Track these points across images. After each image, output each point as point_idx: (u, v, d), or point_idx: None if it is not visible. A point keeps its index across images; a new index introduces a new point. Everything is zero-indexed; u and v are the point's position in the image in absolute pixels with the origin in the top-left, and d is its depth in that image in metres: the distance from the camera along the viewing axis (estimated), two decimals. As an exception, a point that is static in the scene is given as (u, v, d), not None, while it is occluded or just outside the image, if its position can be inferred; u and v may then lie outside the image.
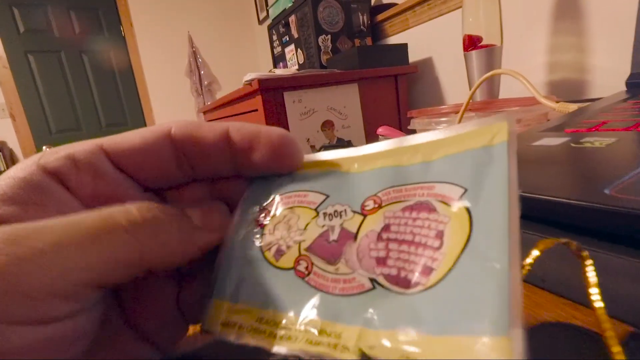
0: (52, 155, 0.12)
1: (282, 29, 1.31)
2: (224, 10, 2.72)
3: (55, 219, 0.10)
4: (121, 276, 0.10)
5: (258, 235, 0.12)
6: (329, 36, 1.12)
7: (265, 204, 0.13)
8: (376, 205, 0.11)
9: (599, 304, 0.10)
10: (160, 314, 0.13)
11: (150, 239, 0.10)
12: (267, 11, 2.15)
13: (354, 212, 0.11)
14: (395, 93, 1.03)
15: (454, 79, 1.01)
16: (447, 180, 0.10)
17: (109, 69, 2.59)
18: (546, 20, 0.74)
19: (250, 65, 2.79)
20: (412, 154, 0.12)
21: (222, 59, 2.70)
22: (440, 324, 0.08)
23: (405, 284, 0.09)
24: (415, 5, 1.06)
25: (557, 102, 0.37)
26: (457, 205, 0.10)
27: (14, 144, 2.40)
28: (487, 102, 0.57)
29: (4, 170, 0.12)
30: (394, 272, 0.10)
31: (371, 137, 0.97)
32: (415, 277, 0.09)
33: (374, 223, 0.11)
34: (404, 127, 0.99)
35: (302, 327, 0.10)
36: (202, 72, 2.58)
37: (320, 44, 1.12)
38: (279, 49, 1.40)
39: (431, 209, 0.10)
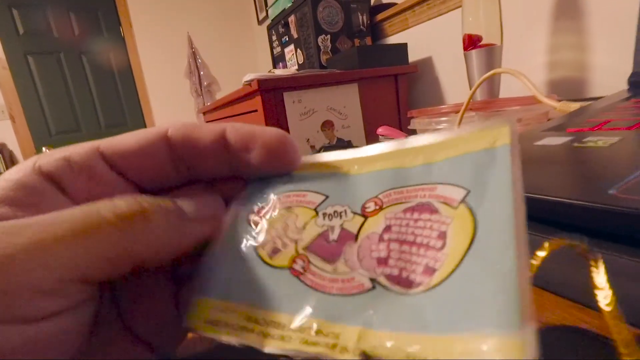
0: (48, 157, 0.12)
1: (281, 29, 1.31)
2: (224, 10, 2.72)
3: (40, 215, 0.09)
4: (109, 271, 0.10)
5: (252, 234, 0.12)
6: (329, 36, 1.12)
7: (261, 203, 0.13)
8: (377, 207, 0.11)
9: (608, 308, 0.09)
10: (157, 314, 0.13)
11: (138, 232, 0.10)
12: (267, 11, 2.14)
13: (354, 213, 0.11)
14: (395, 93, 1.03)
15: (454, 79, 1.01)
16: (449, 182, 0.10)
17: (108, 70, 2.59)
18: (546, 19, 0.74)
19: (250, 65, 2.79)
20: (414, 156, 0.11)
21: (221, 60, 2.70)
22: (446, 323, 0.08)
23: (407, 284, 0.09)
24: (414, 5, 1.06)
25: (559, 101, 0.37)
26: (460, 206, 0.10)
27: (13, 145, 2.40)
28: (488, 101, 0.57)
29: (3, 172, 0.12)
30: (395, 272, 0.10)
31: (371, 137, 0.97)
32: (418, 277, 0.09)
33: (375, 225, 0.11)
34: (404, 127, 0.99)
35: (297, 327, 0.10)
36: (201, 72, 2.58)
37: (320, 44, 1.12)
38: (278, 49, 1.40)
39: (433, 210, 0.10)
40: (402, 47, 1.05)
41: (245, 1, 2.70)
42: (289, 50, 1.30)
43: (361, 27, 1.17)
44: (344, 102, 0.94)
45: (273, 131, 0.13)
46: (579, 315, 0.14)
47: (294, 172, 0.13)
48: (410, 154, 0.12)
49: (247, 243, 0.12)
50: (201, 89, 2.59)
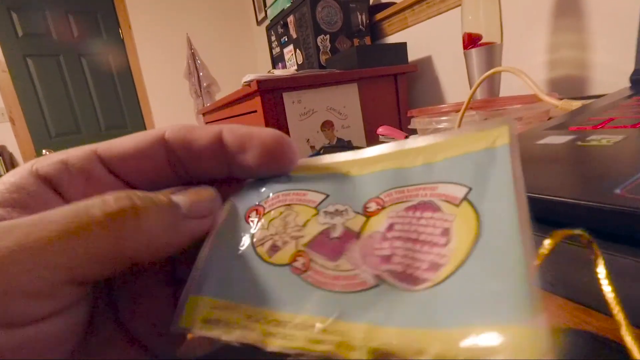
0: (46, 160, 0.12)
1: (280, 30, 1.31)
2: (223, 11, 2.72)
3: (29, 217, 0.09)
4: (101, 271, 0.10)
5: (249, 231, 0.12)
6: (328, 36, 1.12)
7: (259, 200, 0.13)
8: (379, 207, 0.11)
9: (616, 308, 0.09)
10: (154, 316, 0.12)
11: (129, 230, 0.10)
12: (266, 12, 2.14)
13: (356, 212, 0.11)
14: (395, 92, 1.02)
15: (454, 78, 1.01)
16: (450, 181, 0.10)
17: (107, 72, 2.59)
18: (546, 18, 0.74)
19: (249, 66, 2.79)
20: (414, 157, 0.12)
21: (221, 61, 2.70)
22: (456, 317, 0.08)
23: (413, 280, 0.09)
24: (414, 4, 1.06)
25: (560, 99, 0.37)
26: (462, 204, 0.10)
27: (13, 148, 2.40)
28: (488, 100, 0.56)
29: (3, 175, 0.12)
30: (400, 269, 0.09)
31: (371, 137, 0.97)
32: (423, 273, 0.09)
33: (377, 224, 0.11)
34: (404, 127, 0.99)
35: (301, 325, 0.09)
36: (201, 73, 2.58)
37: (319, 44, 1.12)
38: (277, 49, 1.39)
39: (435, 209, 0.10)
40: (402, 47, 1.05)
41: (244, 2, 2.70)
42: (288, 50, 1.30)
43: (360, 26, 1.17)
44: (344, 102, 0.94)
45: (269, 132, 0.13)
46: (584, 317, 0.13)
47: (293, 174, 0.13)
48: (410, 155, 0.12)
49: (244, 240, 0.12)
50: (201, 90, 2.59)
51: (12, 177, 0.11)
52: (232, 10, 2.74)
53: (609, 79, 0.66)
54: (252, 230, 0.12)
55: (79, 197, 0.12)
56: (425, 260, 0.09)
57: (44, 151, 2.32)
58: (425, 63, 1.09)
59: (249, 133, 0.13)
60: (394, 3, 1.14)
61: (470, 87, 0.63)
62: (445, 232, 0.09)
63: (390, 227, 0.10)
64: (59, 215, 0.09)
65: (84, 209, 0.09)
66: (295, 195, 0.12)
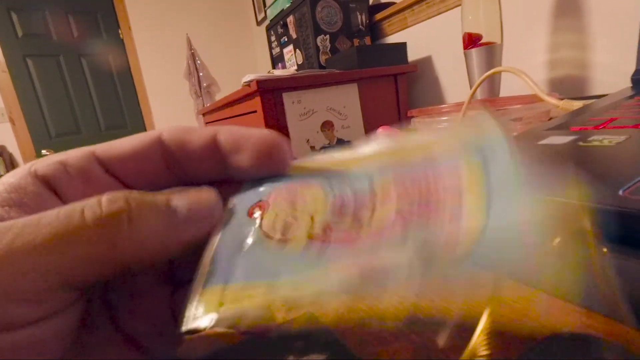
0: (45, 161, 0.12)
1: (280, 30, 1.31)
2: (222, 11, 2.72)
3: (22, 218, 0.09)
4: (94, 275, 0.09)
5: (255, 225, 0.11)
6: (328, 36, 1.12)
7: (261, 198, 0.12)
8: (383, 191, 0.11)
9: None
10: (151, 317, 0.12)
11: (122, 233, 0.09)
12: (265, 12, 2.14)
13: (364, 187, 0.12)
14: (395, 92, 1.02)
15: (454, 78, 1.01)
16: (448, 160, 0.11)
17: (107, 72, 2.59)
18: (546, 18, 0.73)
19: (249, 66, 2.79)
20: (409, 152, 0.12)
21: (220, 61, 2.70)
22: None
23: (438, 215, 0.10)
24: (413, 4, 1.06)
25: (560, 99, 0.36)
26: (464, 166, 0.11)
27: (13, 148, 2.40)
28: (489, 100, 0.56)
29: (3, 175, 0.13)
30: (424, 212, 0.10)
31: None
32: (448, 208, 0.10)
33: (388, 192, 0.11)
34: (404, 127, 0.99)
35: (327, 292, 0.08)
36: (200, 74, 2.58)
37: (319, 44, 1.11)
38: (277, 49, 1.39)
39: (439, 176, 0.11)
40: (402, 47, 1.04)
41: (244, 2, 2.70)
42: (288, 50, 1.30)
43: (360, 26, 1.17)
44: (344, 102, 0.93)
45: (263, 132, 0.13)
46: (586, 320, 0.13)
47: (290, 174, 0.13)
48: (405, 150, 0.12)
49: (250, 233, 0.11)
50: (200, 90, 2.59)
51: (11, 178, 0.12)
52: (232, 10, 2.73)
53: (609, 79, 0.66)
54: (258, 222, 0.11)
55: (78, 198, 0.12)
56: (445, 204, 0.10)
57: (43, 151, 2.32)
58: (425, 63, 1.09)
59: (242, 134, 0.13)
60: (393, 3, 1.14)
61: (471, 87, 0.63)
62: (456, 187, 0.10)
63: (400, 196, 0.11)
64: (52, 217, 0.09)
65: (77, 212, 0.09)
66: (297, 185, 0.13)
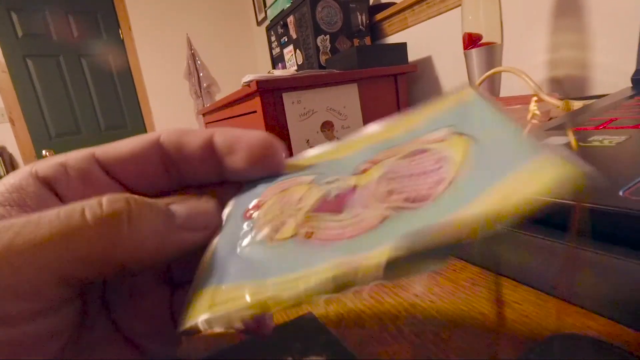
0: (45, 163, 0.12)
1: (280, 30, 1.31)
2: (223, 11, 2.72)
3: (22, 217, 0.09)
4: (91, 273, 0.10)
5: (250, 226, 0.12)
6: (328, 36, 1.12)
7: (256, 198, 0.13)
8: (371, 165, 0.12)
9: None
10: (150, 318, 0.13)
11: (121, 234, 0.10)
12: (266, 12, 2.14)
13: (350, 175, 0.12)
14: (395, 93, 1.02)
15: (454, 78, 1.01)
16: (433, 129, 0.12)
17: (107, 72, 2.59)
18: (546, 18, 0.73)
19: (249, 66, 2.79)
20: (394, 129, 0.13)
21: (221, 61, 2.70)
22: (483, 187, 0.08)
23: (421, 199, 0.09)
24: (413, 4, 1.06)
25: (560, 99, 0.36)
26: (449, 136, 0.11)
27: (13, 148, 2.39)
28: (489, 100, 0.56)
29: (4, 176, 0.13)
30: (404, 195, 0.10)
31: (371, 137, 0.96)
32: (428, 191, 0.09)
33: (372, 175, 0.11)
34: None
35: (314, 276, 0.09)
36: (201, 74, 2.58)
37: (319, 44, 1.11)
38: (277, 50, 1.39)
39: (425, 150, 0.11)
40: (402, 47, 1.04)
41: (244, 2, 2.70)
42: (288, 50, 1.30)
43: (360, 27, 1.17)
44: (344, 102, 0.93)
45: (257, 134, 0.13)
46: (586, 321, 0.13)
47: (284, 172, 0.14)
48: (391, 128, 0.13)
49: (245, 235, 0.11)
50: (200, 91, 2.59)
51: (12, 179, 0.12)
52: (232, 10, 2.73)
53: (609, 79, 0.66)
54: (252, 224, 0.12)
55: (78, 199, 0.12)
56: (426, 182, 0.10)
57: (43, 152, 2.32)
58: (426, 63, 1.09)
59: (237, 136, 0.13)
60: (394, 3, 1.14)
61: (471, 88, 0.62)
62: (439, 160, 0.10)
63: (385, 174, 0.11)
64: (53, 216, 0.09)
65: (78, 211, 0.09)
66: (287, 183, 0.13)
